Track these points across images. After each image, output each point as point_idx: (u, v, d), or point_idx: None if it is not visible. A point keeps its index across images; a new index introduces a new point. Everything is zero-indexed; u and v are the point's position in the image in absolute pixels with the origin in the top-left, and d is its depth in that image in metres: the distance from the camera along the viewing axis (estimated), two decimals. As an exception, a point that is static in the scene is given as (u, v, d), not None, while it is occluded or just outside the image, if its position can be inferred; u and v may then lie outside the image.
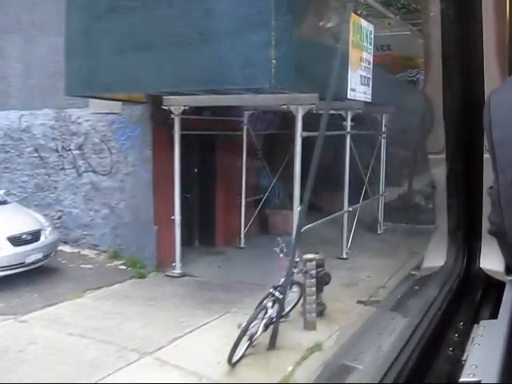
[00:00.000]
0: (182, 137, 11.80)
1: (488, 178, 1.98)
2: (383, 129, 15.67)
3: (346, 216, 13.09)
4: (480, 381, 1.47)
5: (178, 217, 11.74)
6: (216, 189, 14.32)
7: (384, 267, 11.58)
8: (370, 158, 15.65)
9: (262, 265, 10.72)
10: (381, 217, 15.92)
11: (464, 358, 1.65)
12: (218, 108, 12.36)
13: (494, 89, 1.52)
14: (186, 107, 11.22)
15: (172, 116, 11.36)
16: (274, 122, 15.06)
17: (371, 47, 12.82)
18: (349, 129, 13.22)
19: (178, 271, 11.89)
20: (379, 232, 15.65)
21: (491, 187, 1.48)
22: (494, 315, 1.99)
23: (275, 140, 15.39)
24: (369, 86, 12.63)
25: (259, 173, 15.51)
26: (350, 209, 13.28)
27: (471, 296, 2.21)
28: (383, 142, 15.56)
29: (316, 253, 9.34)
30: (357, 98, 12.16)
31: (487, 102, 1.45)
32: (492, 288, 2.20)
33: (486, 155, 2.00)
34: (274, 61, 8.46)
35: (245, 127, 14.05)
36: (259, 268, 11.03)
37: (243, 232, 14.20)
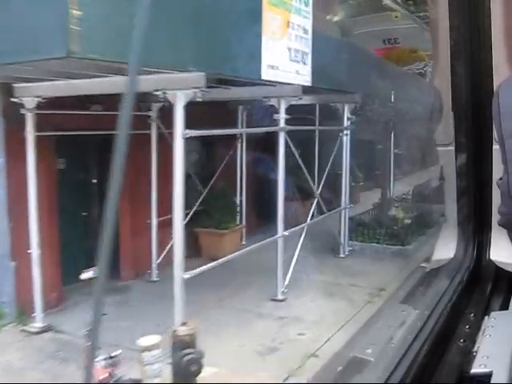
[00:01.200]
0: (62, 139, 9.21)
1: (497, 169, 1.98)
2: (346, 123, 12.35)
3: (280, 242, 9.52)
4: (491, 372, 1.47)
5: (35, 250, 8.39)
6: (120, 205, 10.74)
7: (332, 314, 8.68)
8: (326, 160, 12.92)
9: (165, 309, 7.36)
10: (344, 236, 12.41)
11: (475, 350, 1.65)
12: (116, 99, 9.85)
13: (502, 80, 1.52)
14: (40, 98, 8.33)
15: (24, 111, 8.35)
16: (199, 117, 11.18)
17: (308, 9, 9.43)
18: (282, 123, 9.62)
19: (38, 325, 8.36)
20: (341, 255, 12.20)
21: (501, 178, 1.48)
22: (504, 306, 1.99)
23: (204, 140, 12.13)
24: (306, 64, 9.35)
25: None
26: (286, 233, 9.65)
27: (481, 288, 2.21)
28: (346, 139, 12.30)
29: (184, 322, 4.66)
30: (280, 80, 8.79)
31: (496, 93, 1.45)
32: (502, 279, 2.20)
33: (496, 146, 1.99)
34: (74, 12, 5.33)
35: (154, 124, 10.62)
36: (160, 315, 7.48)
37: (156, 261, 10.75)
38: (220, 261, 8.44)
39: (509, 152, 1.38)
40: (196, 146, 11.58)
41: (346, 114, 12.29)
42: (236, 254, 9.21)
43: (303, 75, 9.37)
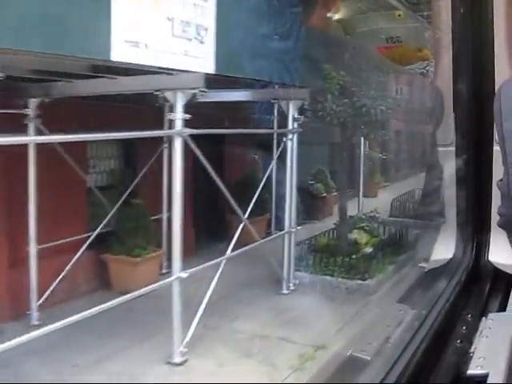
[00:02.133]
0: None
1: (497, 170, 1.98)
2: (291, 125, 9.84)
3: (175, 284, 6.92)
4: (488, 373, 1.47)
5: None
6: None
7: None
8: (257, 172, 11.18)
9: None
10: (288, 266, 9.75)
11: (472, 351, 1.65)
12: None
13: (504, 81, 1.51)
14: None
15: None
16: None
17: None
18: (179, 125, 6.98)
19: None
20: (284, 292, 9.50)
21: (501, 180, 1.47)
22: (502, 308, 1.99)
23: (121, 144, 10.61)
24: (203, 43, 6.76)
25: (80, 197, 9.55)
26: (184, 275, 6.96)
27: (480, 289, 2.21)
28: (291, 144, 9.84)
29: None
30: (151, 63, 6.27)
31: (497, 94, 1.44)
32: (500, 281, 2.20)
33: (496, 147, 1.99)
34: None
35: (31, 125, 7.91)
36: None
37: (36, 300, 8.02)
38: (115, 301, 6.38)
39: (509, 153, 1.38)
40: (112, 151, 10.24)
41: (292, 114, 9.79)
42: (136, 293, 6.75)
43: (197, 58, 6.69)
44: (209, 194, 10.36)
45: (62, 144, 7.89)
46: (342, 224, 11.21)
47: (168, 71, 6.68)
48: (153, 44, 6.07)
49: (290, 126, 9.84)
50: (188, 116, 6.98)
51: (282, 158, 10.12)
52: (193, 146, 7.15)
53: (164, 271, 9.75)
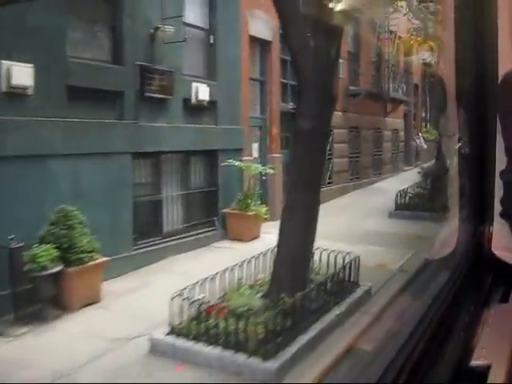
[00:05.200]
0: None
1: (500, 161, 1.97)
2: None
3: None
4: (490, 364, 1.47)
5: None
6: None
7: None
8: None
9: None
10: None
11: (474, 342, 1.64)
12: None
13: (507, 71, 1.50)
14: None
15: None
16: None
17: None
18: None
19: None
20: None
21: (503, 170, 1.47)
22: (504, 299, 1.98)
23: None
24: None
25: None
26: None
27: (482, 280, 2.20)
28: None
29: None
30: None
31: (500, 84, 1.43)
32: (503, 272, 2.19)
33: (499, 138, 1.98)
34: None
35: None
36: None
37: None
38: None
39: None
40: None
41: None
42: None
43: None
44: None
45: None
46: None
47: None
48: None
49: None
50: None
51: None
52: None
53: None
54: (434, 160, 19.38)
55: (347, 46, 17.11)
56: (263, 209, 11.61)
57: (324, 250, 7.68)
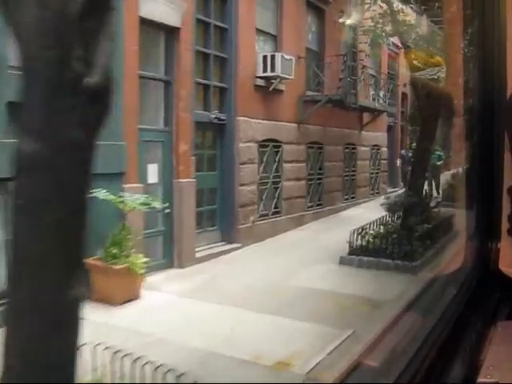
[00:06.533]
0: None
1: (508, 177, 1.96)
2: None
3: None
4: (497, 382, 1.46)
5: None
6: None
7: None
8: None
9: None
10: None
11: (481, 359, 1.63)
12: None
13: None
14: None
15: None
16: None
17: None
18: None
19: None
20: None
21: (511, 186, 1.46)
22: (511, 316, 1.97)
23: None
24: None
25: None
26: None
27: (489, 296, 2.19)
28: None
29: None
30: None
31: (509, 100, 1.43)
32: (510, 289, 2.18)
33: (507, 154, 1.98)
34: None
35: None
36: None
37: None
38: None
39: None
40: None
41: None
42: None
43: None
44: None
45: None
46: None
47: None
48: None
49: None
50: None
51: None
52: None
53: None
54: (403, 188, 16.90)
55: (305, 43, 14.76)
56: (139, 259, 8.17)
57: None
